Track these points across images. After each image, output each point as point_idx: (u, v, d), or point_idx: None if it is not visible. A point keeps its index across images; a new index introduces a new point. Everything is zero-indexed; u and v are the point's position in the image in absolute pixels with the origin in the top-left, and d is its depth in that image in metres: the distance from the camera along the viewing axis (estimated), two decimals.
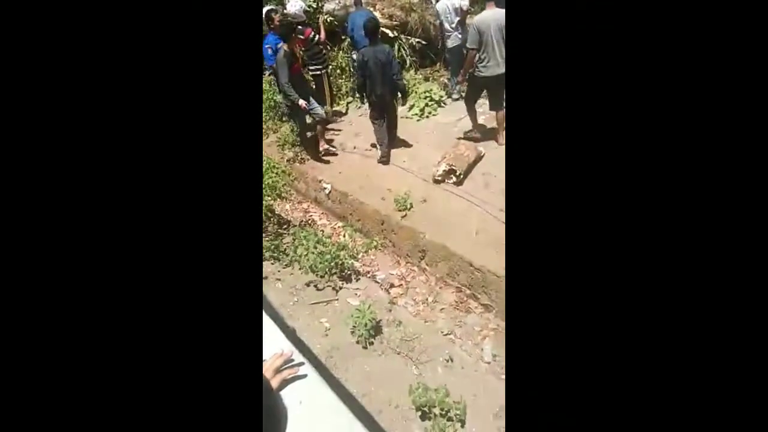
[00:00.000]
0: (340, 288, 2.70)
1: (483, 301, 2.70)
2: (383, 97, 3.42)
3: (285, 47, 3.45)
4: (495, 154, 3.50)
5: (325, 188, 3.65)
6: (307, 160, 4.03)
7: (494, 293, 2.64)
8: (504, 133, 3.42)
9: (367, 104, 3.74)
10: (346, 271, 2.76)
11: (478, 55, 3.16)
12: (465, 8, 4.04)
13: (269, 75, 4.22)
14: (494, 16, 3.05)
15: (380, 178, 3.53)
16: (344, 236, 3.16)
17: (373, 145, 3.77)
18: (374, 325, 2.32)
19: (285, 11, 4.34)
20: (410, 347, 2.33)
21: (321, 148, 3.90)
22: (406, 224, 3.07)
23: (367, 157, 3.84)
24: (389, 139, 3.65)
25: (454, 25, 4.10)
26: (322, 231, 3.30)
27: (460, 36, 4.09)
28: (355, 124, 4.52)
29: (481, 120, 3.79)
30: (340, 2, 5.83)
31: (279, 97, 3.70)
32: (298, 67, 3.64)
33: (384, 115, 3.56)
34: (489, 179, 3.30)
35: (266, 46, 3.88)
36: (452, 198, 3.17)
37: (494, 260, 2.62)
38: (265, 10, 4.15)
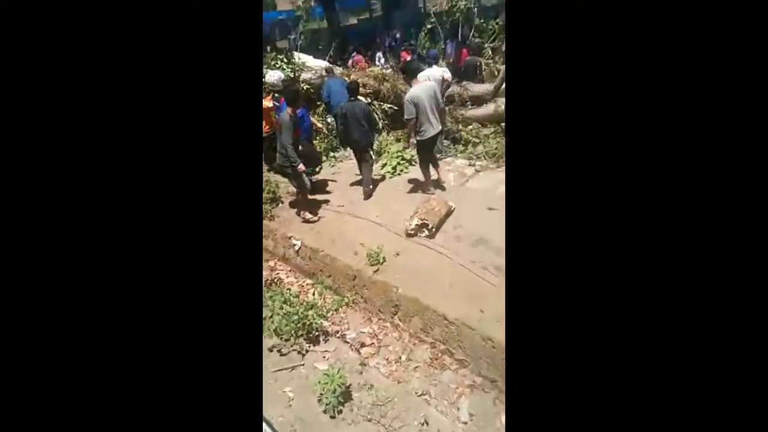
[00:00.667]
0: (307, 351, 2.48)
1: (458, 356, 2.53)
2: (359, 143, 3.89)
3: (289, 111, 3.51)
4: (464, 208, 3.56)
5: (294, 245, 3.54)
6: (276, 216, 3.96)
7: (469, 347, 2.49)
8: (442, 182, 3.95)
9: (348, 152, 4.22)
10: (314, 332, 2.56)
11: (416, 122, 3.55)
12: (449, 79, 4.38)
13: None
14: (424, 88, 3.49)
15: (353, 233, 3.47)
16: (313, 294, 2.99)
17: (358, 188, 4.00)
18: (343, 390, 2.09)
19: (264, 81, 4.56)
20: (383, 412, 2.10)
21: (302, 215, 3.82)
22: (379, 279, 2.95)
23: (339, 213, 3.81)
24: (367, 178, 4.01)
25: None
26: (289, 289, 3.13)
27: (438, 125, 4.33)
28: (329, 179, 4.56)
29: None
30: (315, 72, 6.23)
31: (278, 158, 3.56)
32: (298, 132, 3.71)
33: (364, 157, 3.98)
34: (460, 232, 3.30)
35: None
36: (425, 251, 3.12)
37: (468, 312, 2.51)
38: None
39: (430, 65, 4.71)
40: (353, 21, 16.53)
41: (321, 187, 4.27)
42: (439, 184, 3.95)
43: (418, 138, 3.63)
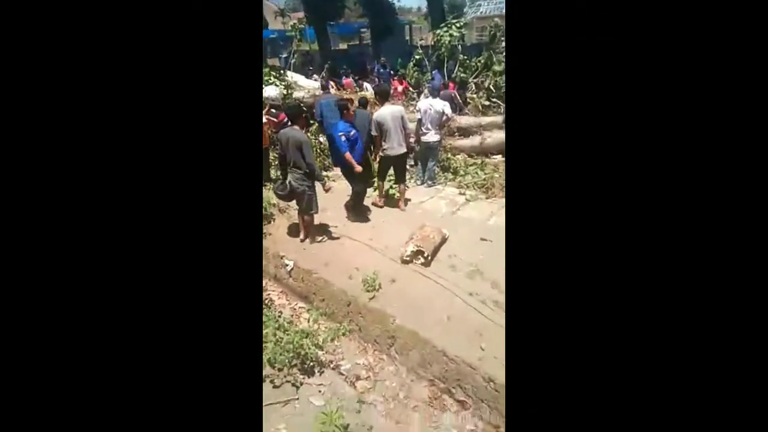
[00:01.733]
0: (301, 384, 2.25)
1: (458, 396, 2.39)
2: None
3: (297, 128, 3.30)
4: (457, 237, 3.50)
5: (287, 265, 3.31)
6: (268, 234, 3.72)
7: (469, 387, 2.36)
8: (404, 202, 4.14)
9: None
10: (309, 362, 2.34)
11: (381, 140, 3.89)
12: (449, 115, 4.44)
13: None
14: (389, 110, 3.82)
15: (347, 256, 3.30)
16: (308, 321, 2.77)
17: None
18: None
19: (265, 96, 4.39)
20: None
21: (309, 238, 3.55)
22: (375, 306, 2.79)
23: (333, 234, 3.64)
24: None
25: (430, 125, 4.35)
26: (281, 313, 2.89)
27: (437, 134, 4.43)
28: (322, 201, 4.38)
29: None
30: (308, 91, 6.14)
31: (292, 177, 3.27)
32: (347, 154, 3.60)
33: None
34: (455, 261, 3.22)
35: (339, 133, 3.64)
36: (421, 279, 3.00)
37: (468, 349, 2.39)
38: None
39: (433, 96, 4.75)
40: (343, 46, 16.78)
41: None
42: (396, 204, 4.17)
43: (381, 154, 3.96)
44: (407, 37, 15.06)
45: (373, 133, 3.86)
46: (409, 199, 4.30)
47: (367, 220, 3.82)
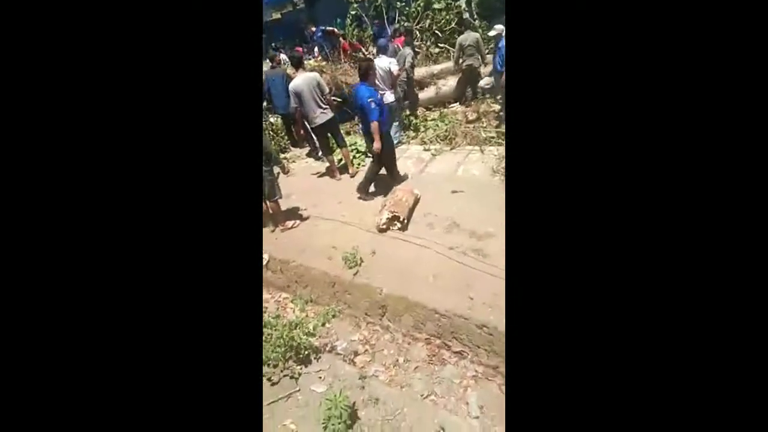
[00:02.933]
0: (300, 375, 2.20)
1: (455, 348, 2.41)
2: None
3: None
4: (429, 194, 3.42)
5: (262, 258, 3.17)
6: None
7: (465, 337, 2.39)
8: (338, 169, 4.04)
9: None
10: (303, 351, 2.28)
11: (302, 111, 3.71)
12: (396, 72, 4.16)
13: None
14: (304, 79, 3.59)
15: (323, 237, 3.18)
16: (295, 311, 2.69)
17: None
18: (350, 413, 1.87)
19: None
20: (394, 427, 1.91)
21: (279, 226, 3.33)
22: (360, 281, 2.72)
23: (304, 217, 3.49)
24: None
25: (385, 84, 4.13)
26: (265, 308, 2.79)
27: (392, 94, 4.20)
28: (285, 186, 4.17)
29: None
30: None
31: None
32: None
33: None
34: (431, 219, 3.16)
35: (368, 99, 3.24)
36: (401, 245, 2.94)
37: (458, 302, 2.38)
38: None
39: (377, 55, 4.42)
40: (277, 16, 15.53)
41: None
42: (347, 171, 4.05)
43: (311, 126, 3.77)
44: None
45: (293, 104, 3.67)
46: (363, 164, 4.20)
47: (335, 197, 3.66)
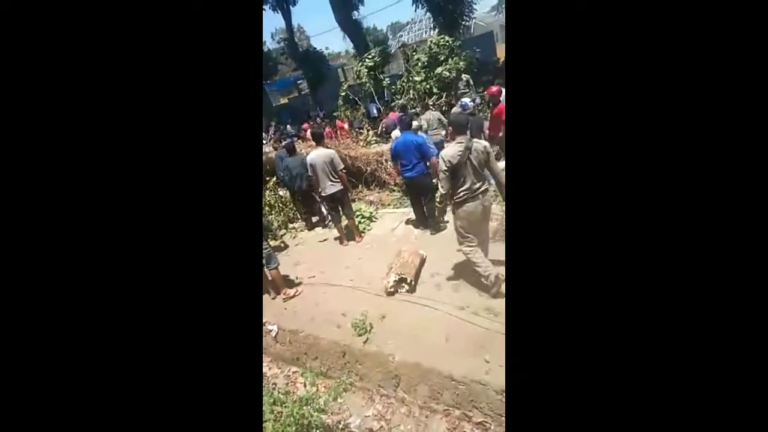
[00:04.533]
0: None
1: (476, 418, 2.23)
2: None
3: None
4: (434, 254, 3.43)
5: (270, 330, 3.09)
6: None
7: (485, 405, 2.21)
8: (357, 233, 4.17)
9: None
10: (314, 430, 2.11)
11: (317, 181, 3.97)
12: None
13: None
14: (318, 153, 3.90)
15: (331, 304, 3.13)
16: (305, 385, 2.55)
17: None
18: None
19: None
20: None
21: (283, 293, 3.35)
22: (371, 349, 2.62)
23: (312, 285, 3.47)
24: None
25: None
26: (275, 384, 2.65)
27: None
28: (293, 254, 4.23)
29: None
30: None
31: None
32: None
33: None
34: (438, 280, 3.13)
35: (426, 137, 3.92)
36: (410, 307, 2.87)
37: (474, 366, 2.26)
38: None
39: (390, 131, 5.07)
40: (284, 101, 17.08)
41: (286, 261, 3.91)
42: (353, 238, 4.15)
43: (322, 195, 4.04)
44: (342, 79, 15.60)
45: (309, 173, 4.01)
46: (368, 229, 4.33)
47: (341, 262, 3.68)
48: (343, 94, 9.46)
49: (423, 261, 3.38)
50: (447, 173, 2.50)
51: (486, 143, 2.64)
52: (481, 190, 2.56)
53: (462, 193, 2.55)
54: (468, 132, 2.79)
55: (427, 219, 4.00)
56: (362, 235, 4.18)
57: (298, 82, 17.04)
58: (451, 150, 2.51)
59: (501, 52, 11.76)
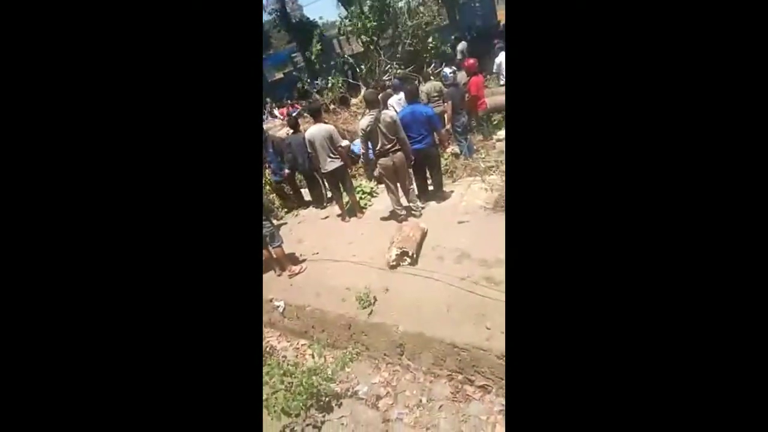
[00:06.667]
0: (322, 423, 2.13)
1: (478, 382, 2.32)
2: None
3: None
4: (435, 227, 3.45)
5: (277, 306, 3.18)
6: None
7: (487, 370, 2.30)
8: (359, 209, 4.19)
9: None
10: (324, 398, 2.22)
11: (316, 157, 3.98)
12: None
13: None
14: (318, 129, 3.83)
15: (336, 279, 3.19)
16: (314, 356, 2.65)
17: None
18: None
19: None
20: None
21: (288, 270, 3.42)
22: (376, 321, 2.70)
23: (315, 261, 3.53)
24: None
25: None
26: (284, 357, 2.76)
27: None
28: (295, 231, 4.27)
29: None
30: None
31: None
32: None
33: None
34: (440, 251, 3.17)
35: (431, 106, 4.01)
36: (412, 279, 2.93)
37: (476, 333, 2.33)
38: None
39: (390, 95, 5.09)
40: (279, 75, 16.60)
41: (289, 239, 3.96)
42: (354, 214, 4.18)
43: (322, 172, 4.03)
44: (338, 50, 15.07)
45: (309, 150, 3.97)
46: (369, 205, 4.32)
47: (344, 238, 3.72)
48: (333, 62, 9.17)
49: (424, 234, 3.41)
50: (363, 138, 3.44)
51: (393, 114, 3.53)
52: (391, 149, 3.42)
53: (376, 152, 3.45)
54: (389, 106, 4.02)
55: (428, 191, 3.99)
56: (363, 210, 4.19)
57: (293, 55, 16.50)
58: (365, 121, 3.40)
59: (502, 15, 11.24)
